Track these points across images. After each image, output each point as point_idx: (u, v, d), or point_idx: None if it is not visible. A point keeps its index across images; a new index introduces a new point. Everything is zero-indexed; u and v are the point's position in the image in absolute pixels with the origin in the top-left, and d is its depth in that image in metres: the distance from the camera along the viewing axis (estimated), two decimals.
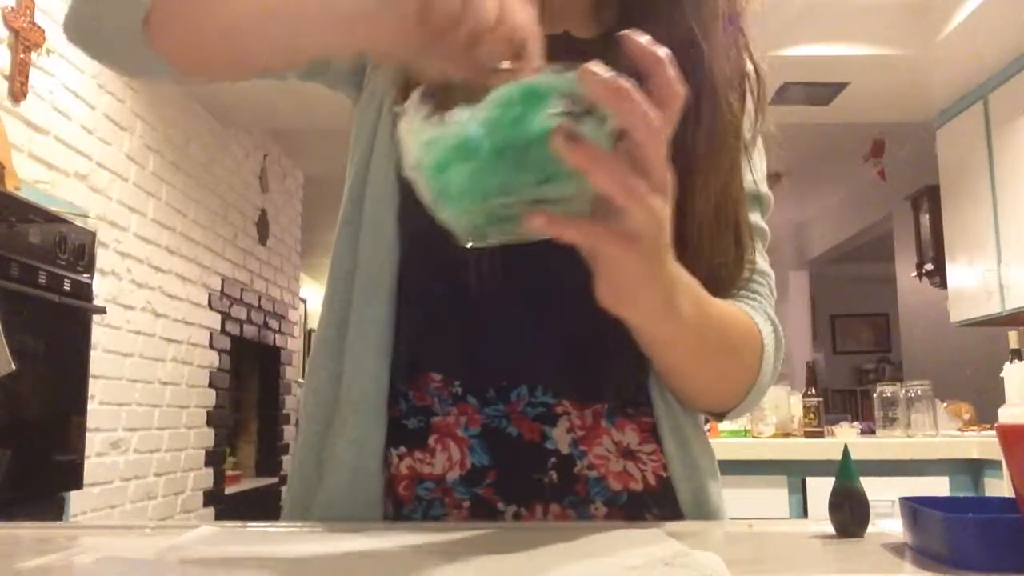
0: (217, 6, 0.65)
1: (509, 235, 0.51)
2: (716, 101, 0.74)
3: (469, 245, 0.51)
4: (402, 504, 0.74)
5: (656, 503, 0.75)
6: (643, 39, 0.49)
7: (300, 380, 7.35)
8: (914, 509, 0.56)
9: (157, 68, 0.69)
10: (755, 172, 0.81)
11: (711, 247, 0.73)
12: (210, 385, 4.50)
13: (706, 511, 0.76)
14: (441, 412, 0.75)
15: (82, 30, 0.70)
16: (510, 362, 0.75)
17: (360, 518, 0.73)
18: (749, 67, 0.78)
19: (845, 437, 3.17)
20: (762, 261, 0.80)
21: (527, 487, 0.73)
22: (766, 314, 0.77)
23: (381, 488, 0.74)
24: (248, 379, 5.50)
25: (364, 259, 0.78)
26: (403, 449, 0.75)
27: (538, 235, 0.50)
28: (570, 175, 0.48)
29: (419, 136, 0.49)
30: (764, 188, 0.83)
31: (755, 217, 0.81)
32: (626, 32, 0.49)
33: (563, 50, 0.74)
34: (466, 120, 0.48)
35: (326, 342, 0.79)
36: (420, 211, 0.60)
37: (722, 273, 0.74)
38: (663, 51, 0.49)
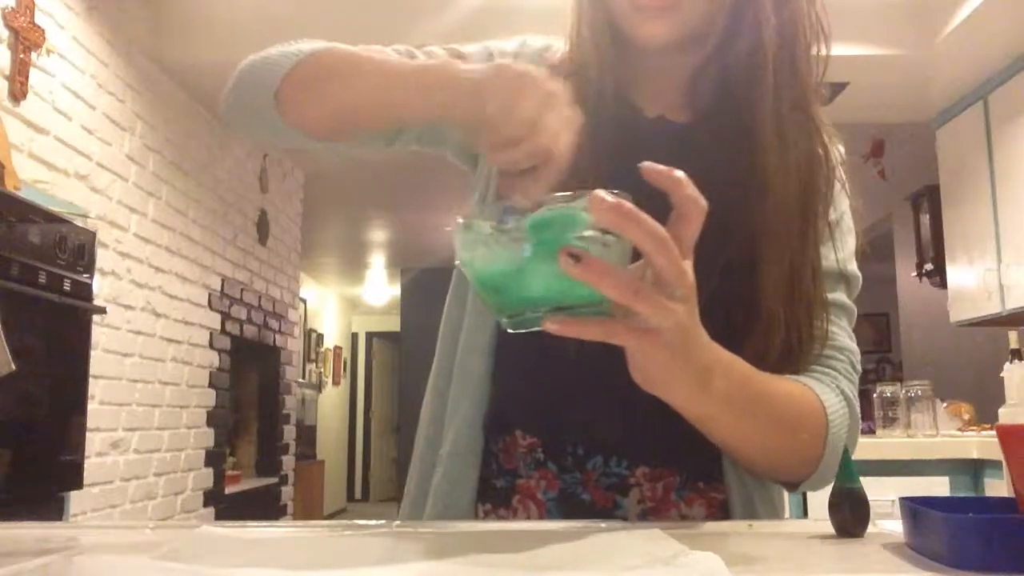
0: (333, 86, 0.79)
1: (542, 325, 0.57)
2: (772, 185, 0.77)
3: (509, 330, 0.59)
4: None
5: None
6: (658, 167, 0.56)
7: (300, 380, 7.35)
8: (914, 509, 0.56)
9: (291, 136, 0.83)
10: (839, 252, 0.82)
11: (786, 321, 0.75)
12: (210, 385, 4.50)
13: None
14: (525, 475, 0.81)
15: (234, 112, 0.85)
16: (588, 427, 0.80)
17: None
18: (820, 151, 0.81)
19: None
20: (844, 337, 0.81)
21: None
22: (837, 388, 0.78)
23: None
24: (248, 379, 5.49)
25: (469, 319, 0.86)
26: (489, 506, 0.82)
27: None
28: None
29: (469, 238, 0.57)
30: (851, 267, 0.84)
31: (840, 295, 0.82)
32: (645, 164, 0.56)
33: (656, 132, 0.84)
34: (507, 235, 0.56)
35: (434, 391, 0.88)
36: None
37: (794, 346, 0.77)
38: (679, 173, 0.56)
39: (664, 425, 0.77)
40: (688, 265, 0.57)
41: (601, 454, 0.80)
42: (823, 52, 0.81)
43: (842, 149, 0.88)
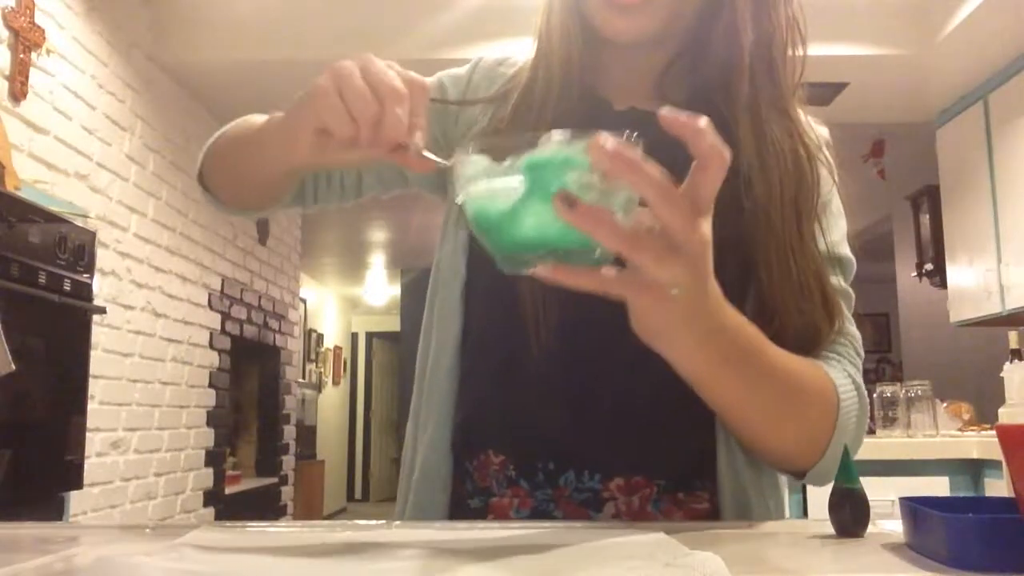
0: (220, 164, 0.86)
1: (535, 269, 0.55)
2: (753, 183, 0.76)
3: (504, 271, 0.56)
4: None
5: None
6: (681, 115, 0.52)
7: (300, 380, 7.35)
8: (914, 509, 0.56)
9: (220, 207, 0.90)
10: (829, 236, 0.81)
11: (799, 315, 0.74)
12: (210, 385, 4.50)
13: None
14: (498, 493, 0.80)
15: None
16: (558, 441, 0.78)
17: None
18: (802, 151, 0.80)
19: None
20: (846, 323, 0.80)
21: None
22: (846, 373, 0.77)
23: None
24: (248, 379, 5.49)
25: (436, 333, 0.85)
26: None
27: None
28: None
29: (466, 172, 0.55)
30: (843, 250, 0.83)
31: (836, 280, 0.81)
32: (664, 109, 0.52)
33: (628, 123, 0.80)
34: (503, 173, 0.53)
35: (413, 414, 0.87)
36: (480, 290, 0.78)
37: (810, 336, 0.75)
38: (702, 120, 0.52)
39: (638, 433, 0.77)
40: (705, 221, 0.53)
41: (573, 468, 0.77)
42: (800, 53, 0.81)
43: (826, 131, 0.87)
